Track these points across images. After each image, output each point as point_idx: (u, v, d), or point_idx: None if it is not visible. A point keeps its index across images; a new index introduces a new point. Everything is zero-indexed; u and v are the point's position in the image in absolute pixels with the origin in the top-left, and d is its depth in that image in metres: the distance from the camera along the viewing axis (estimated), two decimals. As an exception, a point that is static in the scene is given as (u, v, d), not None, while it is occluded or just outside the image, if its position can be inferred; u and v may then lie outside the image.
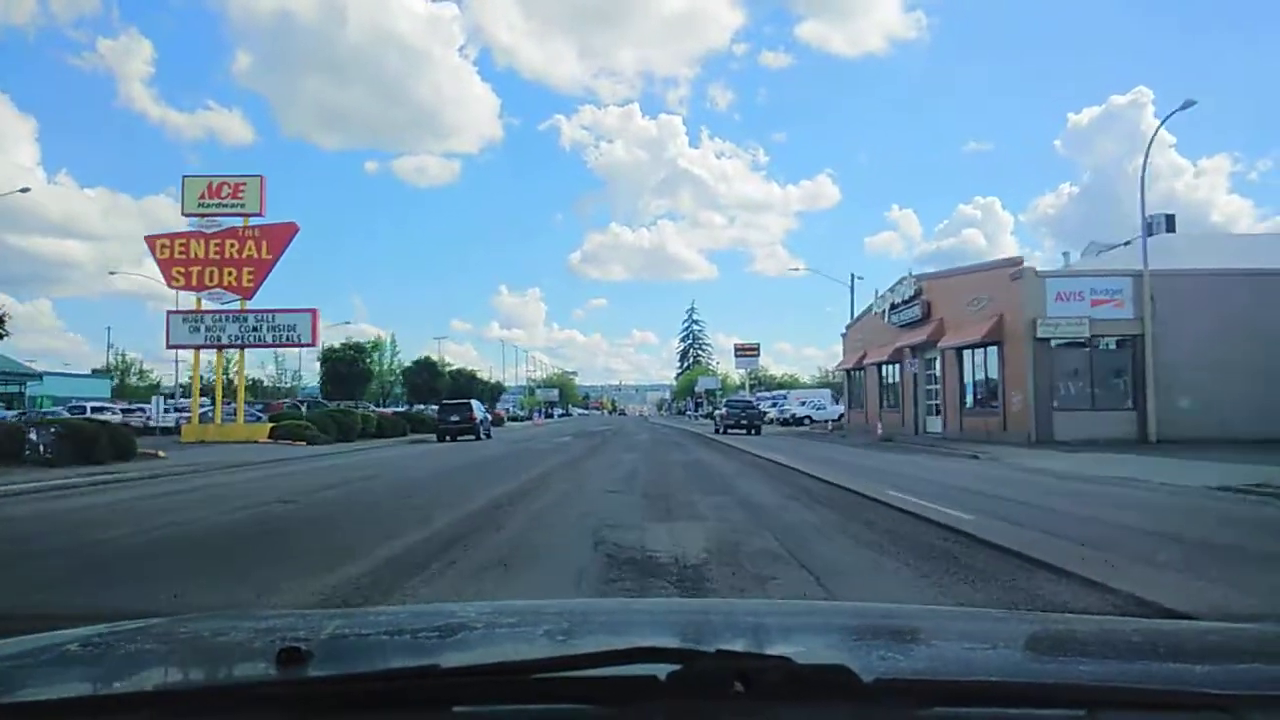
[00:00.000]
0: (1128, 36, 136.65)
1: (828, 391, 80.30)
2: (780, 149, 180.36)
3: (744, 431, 39.62)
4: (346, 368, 41.89)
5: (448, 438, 34.79)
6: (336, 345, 43.64)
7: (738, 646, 1.47)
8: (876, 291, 40.96)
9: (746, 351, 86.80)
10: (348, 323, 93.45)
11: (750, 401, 49.43)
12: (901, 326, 37.24)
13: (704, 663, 1.14)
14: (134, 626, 1.74)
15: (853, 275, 49.38)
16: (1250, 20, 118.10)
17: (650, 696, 1.09)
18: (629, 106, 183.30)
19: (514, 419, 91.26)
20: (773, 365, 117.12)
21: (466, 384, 59.94)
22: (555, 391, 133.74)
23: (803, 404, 64.57)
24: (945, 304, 33.29)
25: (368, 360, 43.22)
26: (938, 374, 34.37)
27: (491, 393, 73.81)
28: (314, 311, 34.46)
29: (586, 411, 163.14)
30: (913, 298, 35.82)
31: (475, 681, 1.18)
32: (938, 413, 34.42)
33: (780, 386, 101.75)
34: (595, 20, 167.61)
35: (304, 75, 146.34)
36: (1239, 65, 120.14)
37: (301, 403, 42.45)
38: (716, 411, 53.13)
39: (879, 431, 32.83)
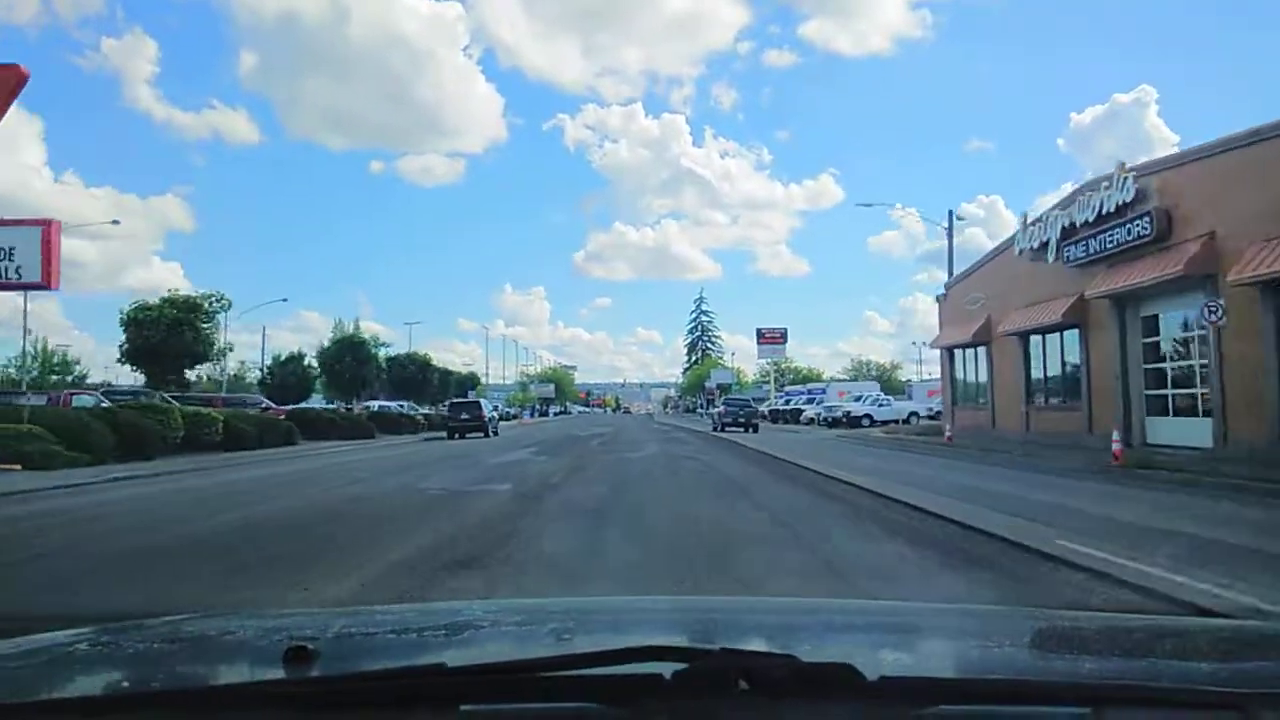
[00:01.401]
0: (1132, 34, 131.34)
1: (875, 385, 64.25)
2: (784, 148, 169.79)
3: (741, 429, 37.87)
4: (162, 337, 25.32)
5: (457, 435, 34.84)
6: (152, 302, 26.83)
7: (743, 644, 1.43)
8: (1024, 217, 24.71)
9: (770, 338, 70.55)
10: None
11: (748, 400, 47.22)
12: (1092, 262, 21.08)
13: (709, 661, 1.12)
14: (140, 625, 1.71)
15: (951, 213, 33.37)
16: (1254, 16, 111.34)
17: (655, 695, 1.07)
18: (632, 106, 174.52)
19: (501, 418, 76.85)
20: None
21: (417, 373, 43.99)
22: (551, 387, 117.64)
23: (859, 400, 48.07)
24: (1217, 206, 17.12)
25: (204, 325, 26.72)
26: (1194, 339, 18.21)
27: (460, 385, 57.78)
28: (49, 225, 18.36)
29: (587, 409, 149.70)
30: (1129, 205, 19.60)
31: (482, 680, 1.16)
32: (1196, 410, 18.26)
33: (806, 380, 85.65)
34: (599, 19, 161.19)
35: (309, 75, 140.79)
36: (1243, 61, 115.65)
37: (124, 391, 26.86)
38: (713, 409, 50.64)
39: (1118, 449, 16.47)
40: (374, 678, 1.22)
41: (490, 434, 36.18)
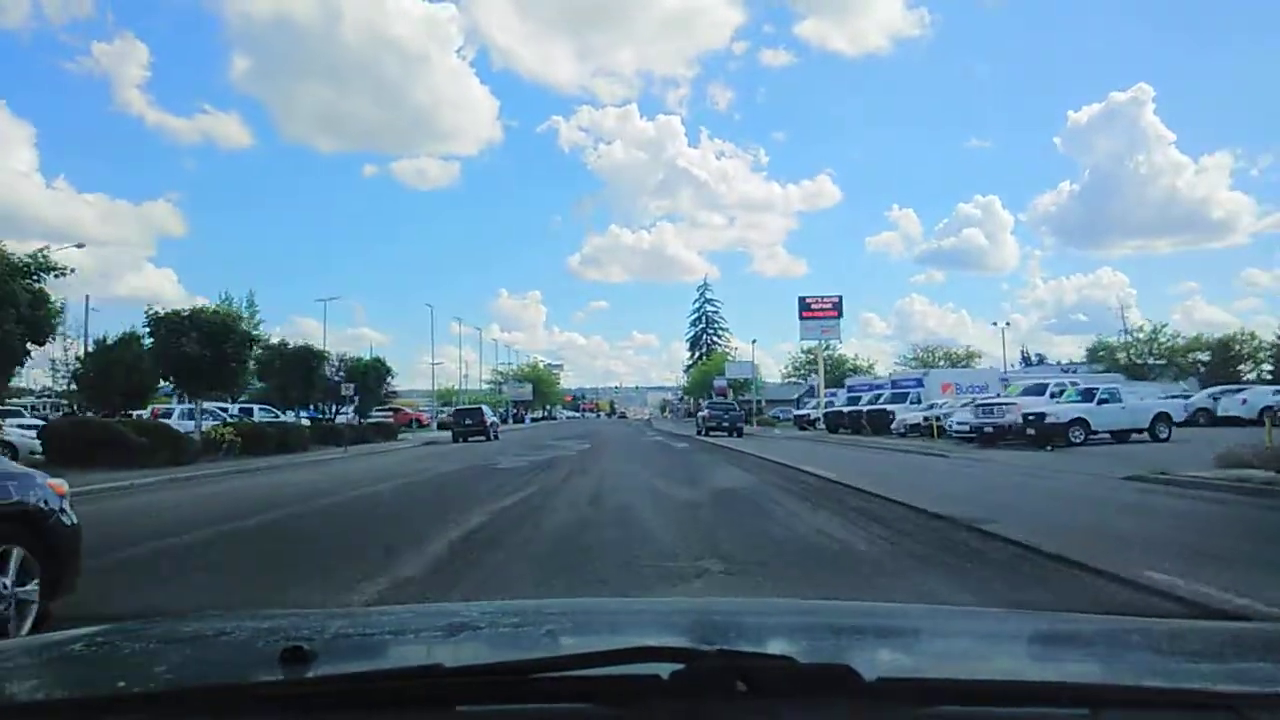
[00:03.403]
0: (1128, 32, 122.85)
1: (993, 371, 42.38)
2: (780, 149, 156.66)
3: (725, 433, 36.79)
4: None
5: (462, 439, 36.55)
6: None
7: (740, 645, 1.39)
8: None
9: (818, 310, 48.44)
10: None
11: (732, 404, 45.77)
12: None
13: (706, 662, 1.09)
14: (137, 626, 1.68)
15: None
16: (1252, 13, 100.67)
17: (653, 696, 1.04)
18: (627, 107, 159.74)
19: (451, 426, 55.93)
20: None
21: (203, 351, 21.99)
22: (528, 388, 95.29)
23: (1045, 394, 25.32)
24: None
25: None
26: None
27: (357, 376, 35.96)
28: None
29: (577, 414, 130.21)
30: None
31: (478, 681, 1.13)
32: None
33: (855, 372, 63.69)
34: (593, 20, 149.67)
35: (301, 78, 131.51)
36: (1241, 59, 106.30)
37: None
38: (699, 414, 47.80)
39: None
40: (370, 678, 1.20)
41: (491, 438, 37.56)
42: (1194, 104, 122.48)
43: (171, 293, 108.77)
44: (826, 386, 48.20)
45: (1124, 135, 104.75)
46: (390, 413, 54.03)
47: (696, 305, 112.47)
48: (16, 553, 4.24)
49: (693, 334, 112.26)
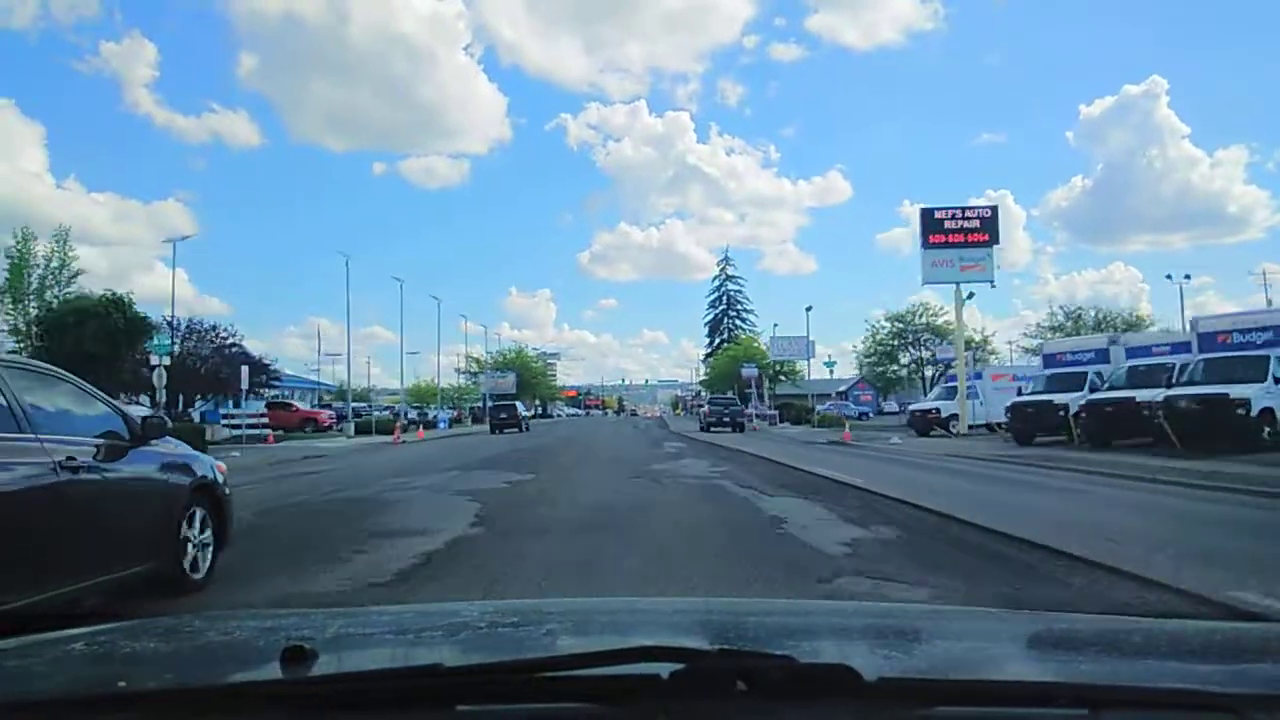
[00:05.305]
0: (1142, 24, 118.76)
1: None
2: (791, 144, 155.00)
3: (728, 429, 36.53)
4: None
5: (498, 430, 40.57)
6: None
7: (741, 645, 1.38)
8: None
9: (956, 231, 27.92)
10: None
11: (733, 400, 45.64)
12: None
13: (707, 662, 1.09)
14: (138, 625, 1.68)
15: None
16: (1267, 5, 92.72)
17: (653, 695, 1.03)
18: (636, 104, 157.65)
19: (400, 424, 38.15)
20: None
21: None
22: (510, 378, 74.88)
23: None
24: None
25: None
26: None
27: (75, 335, 16.24)
28: None
29: (580, 411, 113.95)
30: None
31: (479, 681, 1.13)
32: None
33: (969, 346, 43.20)
34: (601, 15, 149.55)
35: (309, 77, 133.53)
36: (1257, 52, 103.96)
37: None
38: (700, 409, 49.80)
39: None
40: (371, 678, 1.19)
41: (524, 429, 41.00)
42: (1208, 97, 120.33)
43: (183, 292, 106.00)
44: (927, 365, 28.02)
45: (1137, 129, 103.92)
46: (264, 410, 34.31)
47: (717, 284, 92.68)
48: (202, 513, 5.54)
49: (712, 316, 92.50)
